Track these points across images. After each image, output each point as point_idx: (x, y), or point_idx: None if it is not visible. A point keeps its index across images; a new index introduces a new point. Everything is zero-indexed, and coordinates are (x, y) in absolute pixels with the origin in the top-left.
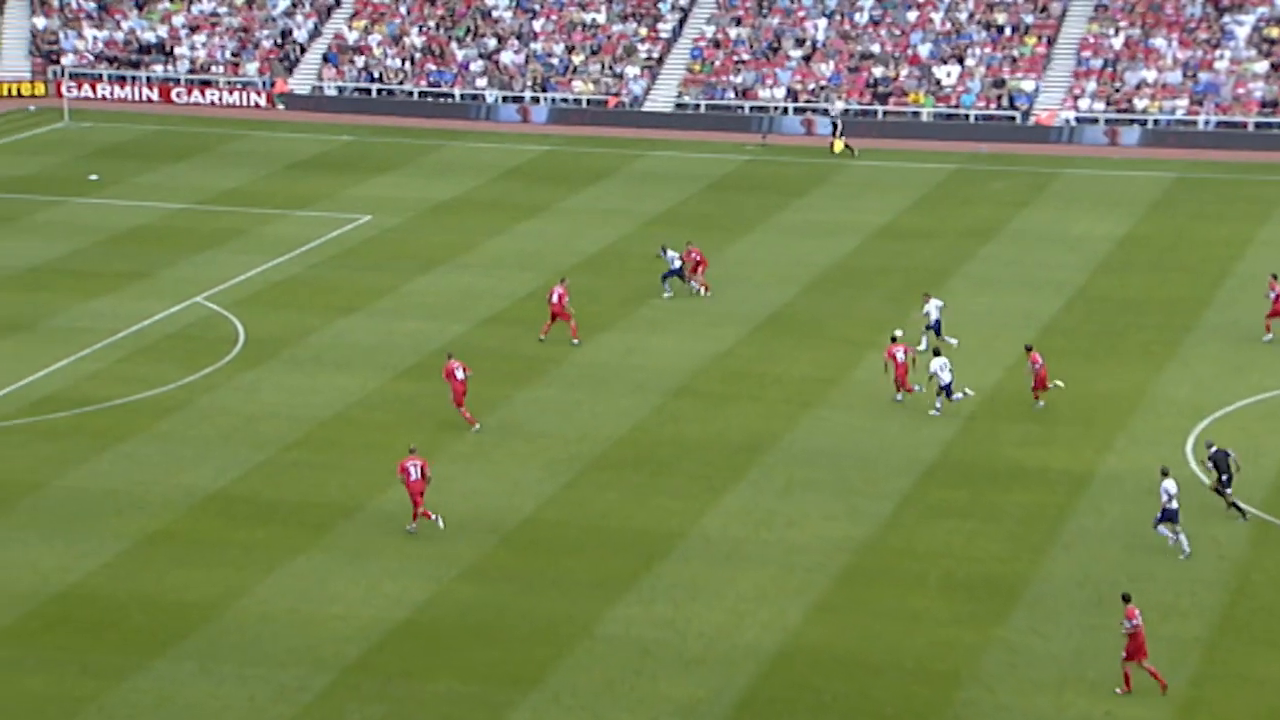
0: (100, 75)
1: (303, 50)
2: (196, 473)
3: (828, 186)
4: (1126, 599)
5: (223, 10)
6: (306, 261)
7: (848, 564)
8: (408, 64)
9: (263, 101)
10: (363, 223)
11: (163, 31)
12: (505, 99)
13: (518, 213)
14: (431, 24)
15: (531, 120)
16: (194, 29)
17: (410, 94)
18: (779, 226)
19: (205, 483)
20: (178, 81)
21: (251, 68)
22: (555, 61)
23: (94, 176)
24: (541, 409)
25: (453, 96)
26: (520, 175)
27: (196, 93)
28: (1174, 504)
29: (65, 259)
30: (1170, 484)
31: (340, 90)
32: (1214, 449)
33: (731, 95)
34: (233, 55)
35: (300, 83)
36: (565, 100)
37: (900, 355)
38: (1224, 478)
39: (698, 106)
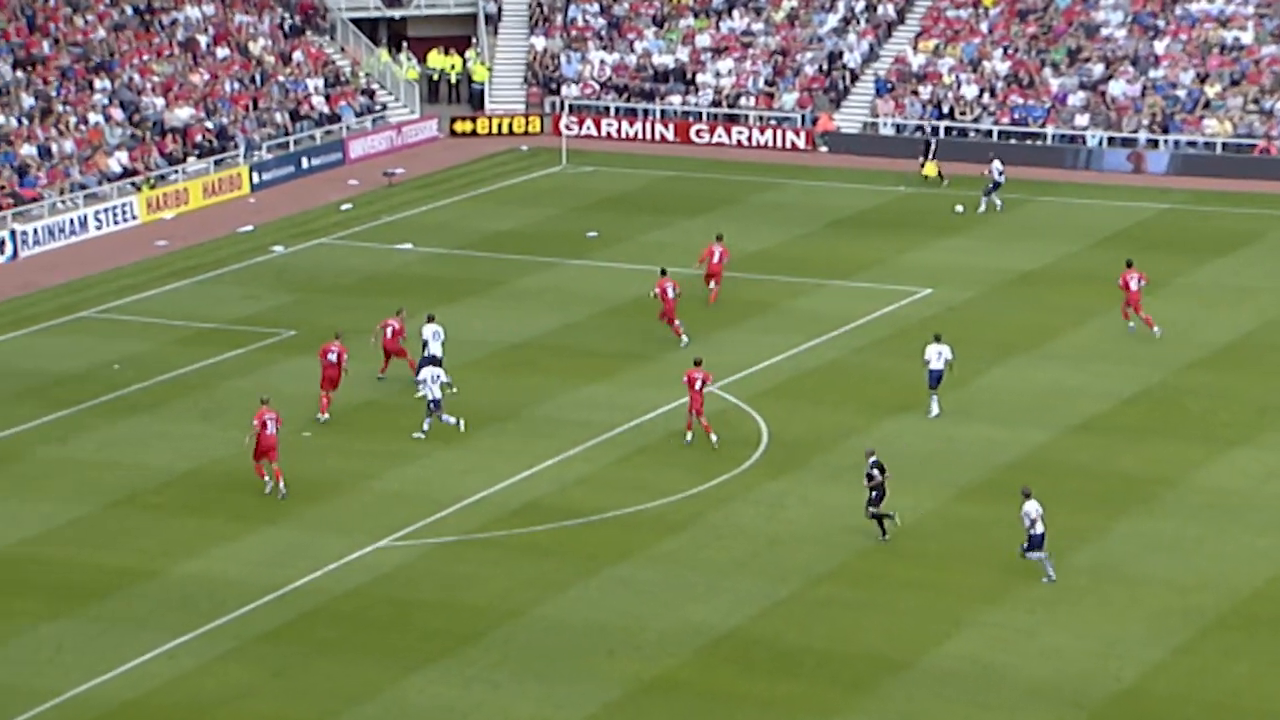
0: (606, 108)
1: (854, 78)
2: (706, 607)
3: None
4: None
5: (758, 28)
6: (849, 344)
7: None
8: (987, 95)
9: (801, 142)
10: (922, 297)
11: (683, 54)
12: (1113, 141)
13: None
14: (1020, 45)
15: (1147, 170)
16: (720, 51)
17: (989, 134)
18: None
19: (716, 620)
20: (699, 116)
21: (789, 99)
22: (1182, 94)
23: (592, 234)
24: (1148, 546)
25: (1044, 137)
26: (1130, 240)
27: (721, 130)
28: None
29: (555, 334)
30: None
31: (899, 129)
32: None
33: None
34: (766, 84)
35: (849, 119)
36: (1193, 145)
37: None
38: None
39: None
